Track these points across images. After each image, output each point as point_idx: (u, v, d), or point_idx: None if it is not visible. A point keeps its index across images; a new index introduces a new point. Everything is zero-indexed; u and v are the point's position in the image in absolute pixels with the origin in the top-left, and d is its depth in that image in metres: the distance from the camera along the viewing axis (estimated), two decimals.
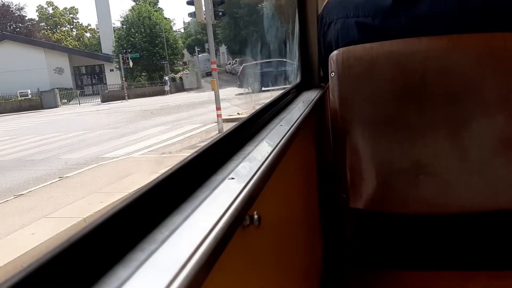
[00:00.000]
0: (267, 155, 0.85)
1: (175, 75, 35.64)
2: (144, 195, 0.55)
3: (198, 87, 33.18)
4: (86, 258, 0.42)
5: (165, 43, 35.90)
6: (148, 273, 0.42)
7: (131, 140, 12.47)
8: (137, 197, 0.53)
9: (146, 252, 0.46)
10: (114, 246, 0.46)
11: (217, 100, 11.94)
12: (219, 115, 11.93)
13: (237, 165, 0.79)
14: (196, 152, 0.75)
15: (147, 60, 36.03)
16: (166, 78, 34.20)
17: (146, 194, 0.56)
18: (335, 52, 1.50)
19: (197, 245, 0.48)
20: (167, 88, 33.31)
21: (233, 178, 0.71)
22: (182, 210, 0.58)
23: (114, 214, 0.48)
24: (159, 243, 0.48)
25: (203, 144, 0.80)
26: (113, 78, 36.59)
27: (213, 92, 12.14)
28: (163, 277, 0.42)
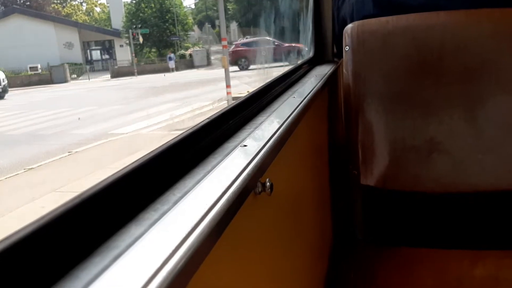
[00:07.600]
0: (279, 125, 0.84)
1: (185, 52, 35.13)
2: (156, 157, 0.54)
3: (208, 64, 32.85)
4: (99, 214, 0.41)
5: (175, 19, 35.50)
6: (160, 232, 0.42)
7: (140, 117, 12.46)
8: (150, 159, 0.52)
9: (158, 212, 0.46)
10: (127, 204, 0.45)
11: (227, 77, 11.88)
12: (228, 93, 11.88)
13: (249, 134, 0.78)
14: (208, 119, 0.74)
15: (157, 36, 35.70)
16: (172, 55, 32.53)
17: (159, 157, 0.55)
18: (350, 25, 1.47)
19: (209, 207, 0.48)
20: (171, 65, 31.27)
21: (245, 146, 0.70)
22: (194, 174, 0.58)
23: (127, 173, 0.47)
24: (171, 204, 0.48)
25: None
26: (123, 53, 36.36)
27: (223, 70, 12.07)
28: (175, 237, 0.41)
